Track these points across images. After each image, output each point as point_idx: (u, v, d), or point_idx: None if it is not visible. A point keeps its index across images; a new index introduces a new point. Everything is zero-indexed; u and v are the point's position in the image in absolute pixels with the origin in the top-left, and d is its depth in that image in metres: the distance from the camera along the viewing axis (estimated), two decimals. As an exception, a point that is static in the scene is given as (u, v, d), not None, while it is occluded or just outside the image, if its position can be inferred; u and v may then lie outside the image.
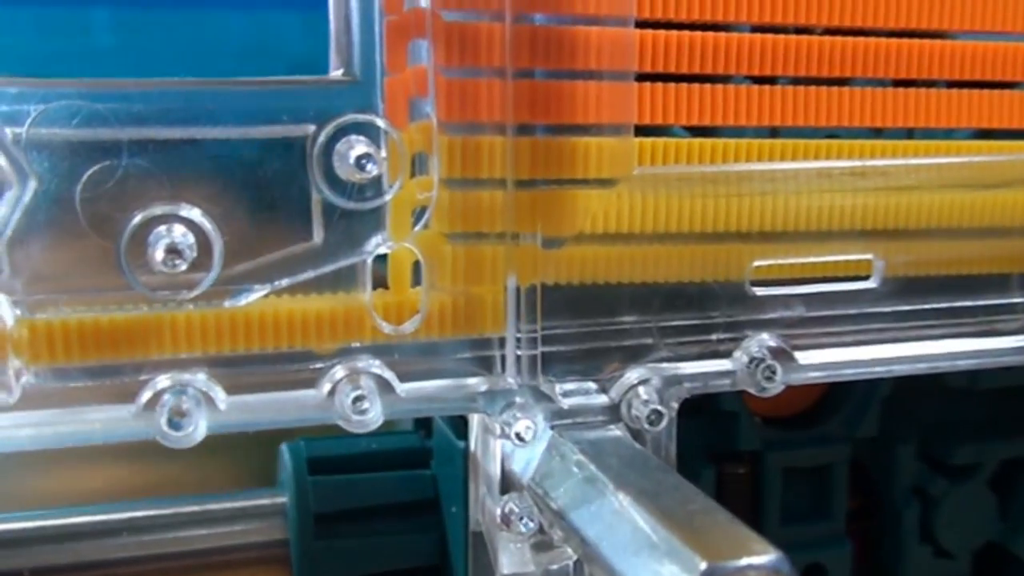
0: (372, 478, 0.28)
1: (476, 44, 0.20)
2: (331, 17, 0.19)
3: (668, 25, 0.22)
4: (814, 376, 0.24)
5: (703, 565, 0.16)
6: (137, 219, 0.19)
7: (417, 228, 0.20)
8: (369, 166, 0.19)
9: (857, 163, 0.23)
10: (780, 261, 0.23)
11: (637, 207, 0.22)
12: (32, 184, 0.18)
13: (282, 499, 0.28)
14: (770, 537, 0.26)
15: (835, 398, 0.30)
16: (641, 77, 0.21)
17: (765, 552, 0.16)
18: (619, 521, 0.19)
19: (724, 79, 0.22)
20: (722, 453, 0.29)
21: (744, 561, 0.16)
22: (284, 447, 0.28)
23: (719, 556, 0.16)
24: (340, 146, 0.19)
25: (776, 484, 0.29)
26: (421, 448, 0.29)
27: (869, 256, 0.24)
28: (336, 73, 0.20)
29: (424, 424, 0.29)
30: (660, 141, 0.22)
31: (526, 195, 0.21)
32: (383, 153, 0.19)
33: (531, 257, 0.21)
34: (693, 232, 0.22)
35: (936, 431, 0.31)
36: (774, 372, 0.23)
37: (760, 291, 0.23)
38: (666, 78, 0.22)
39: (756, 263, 0.23)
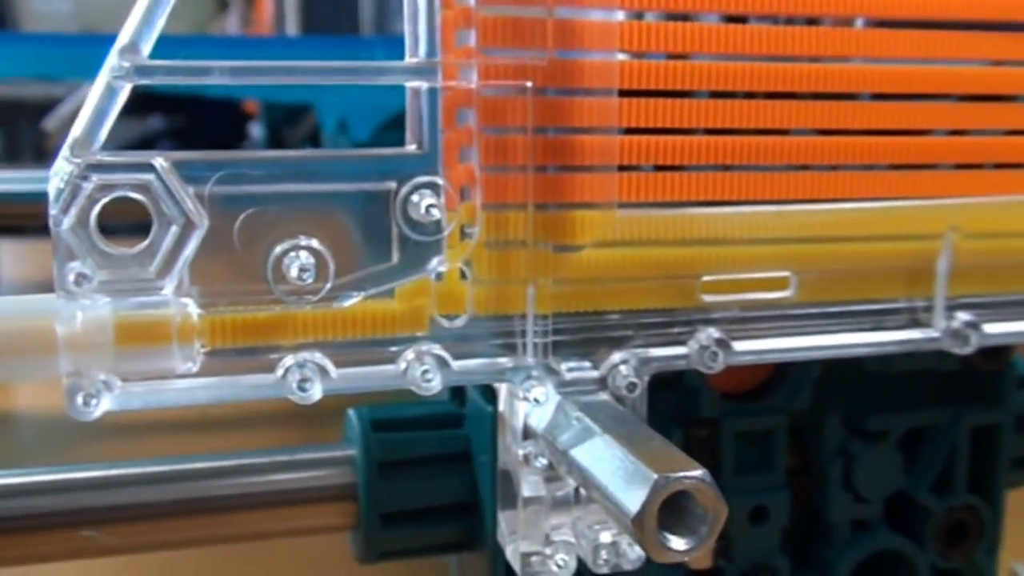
0: (421, 435, 0.32)
1: (506, 150, 0.25)
2: (408, 108, 0.26)
3: (646, 131, 0.26)
4: (746, 359, 0.28)
5: (654, 476, 0.22)
6: (277, 249, 0.25)
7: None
8: (434, 211, 0.26)
9: (785, 208, 0.28)
10: (723, 277, 0.28)
11: (619, 258, 0.27)
12: (206, 223, 0.25)
13: (351, 451, 0.32)
14: (725, 484, 0.31)
15: (777, 378, 0.32)
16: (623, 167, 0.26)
17: (695, 469, 0.22)
18: (604, 455, 0.23)
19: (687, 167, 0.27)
20: (688, 419, 0.32)
21: (680, 473, 0.22)
22: (351, 411, 0.33)
23: (666, 471, 0.22)
24: (414, 197, 0.26)
25: (731, 444, 0.32)
26: (457, 414, 0.33)
27: (787, 273, 0.28)
28: (411, 147, 0.26)
29: (457, 395, 0.33)
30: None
31: (541, 253, 0.26)
32: (443, 202, 0.26)
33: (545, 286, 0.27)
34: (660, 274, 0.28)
35: (857, 404, 0.33)
36: (716, 356, 0.28)
37: (708, 298, 0.28)
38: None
39: (705, 278, 0.28)
